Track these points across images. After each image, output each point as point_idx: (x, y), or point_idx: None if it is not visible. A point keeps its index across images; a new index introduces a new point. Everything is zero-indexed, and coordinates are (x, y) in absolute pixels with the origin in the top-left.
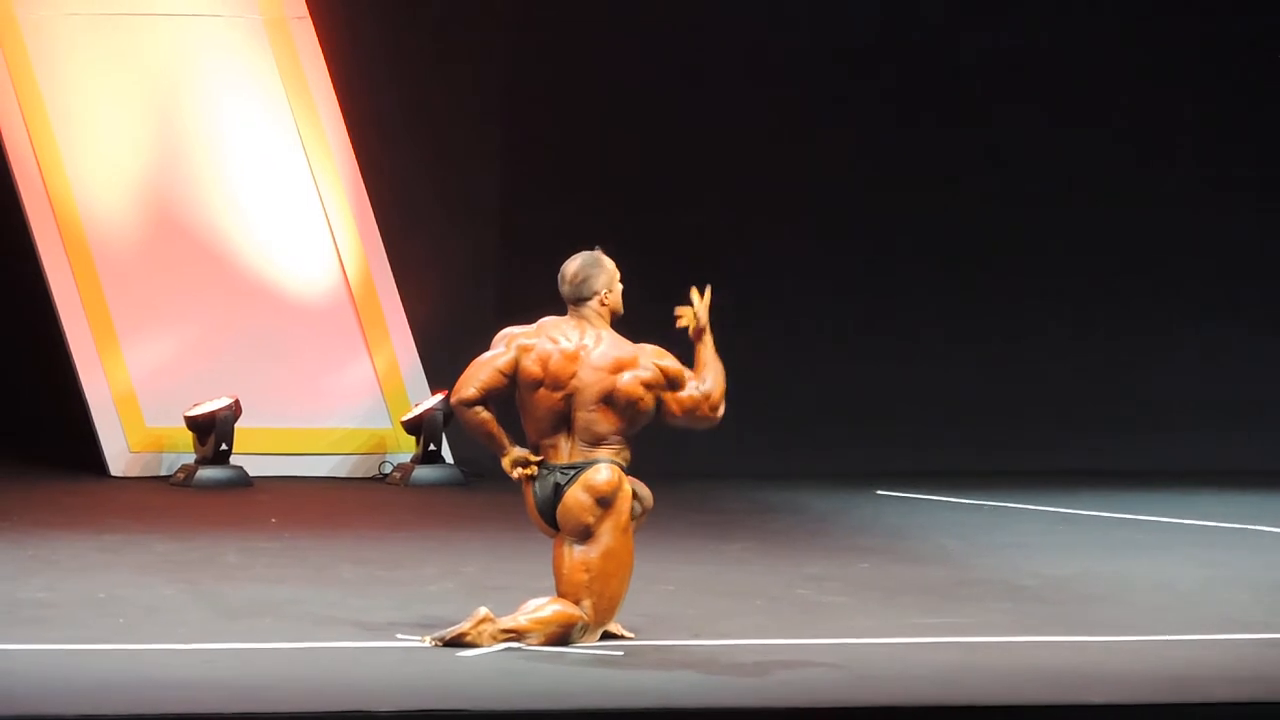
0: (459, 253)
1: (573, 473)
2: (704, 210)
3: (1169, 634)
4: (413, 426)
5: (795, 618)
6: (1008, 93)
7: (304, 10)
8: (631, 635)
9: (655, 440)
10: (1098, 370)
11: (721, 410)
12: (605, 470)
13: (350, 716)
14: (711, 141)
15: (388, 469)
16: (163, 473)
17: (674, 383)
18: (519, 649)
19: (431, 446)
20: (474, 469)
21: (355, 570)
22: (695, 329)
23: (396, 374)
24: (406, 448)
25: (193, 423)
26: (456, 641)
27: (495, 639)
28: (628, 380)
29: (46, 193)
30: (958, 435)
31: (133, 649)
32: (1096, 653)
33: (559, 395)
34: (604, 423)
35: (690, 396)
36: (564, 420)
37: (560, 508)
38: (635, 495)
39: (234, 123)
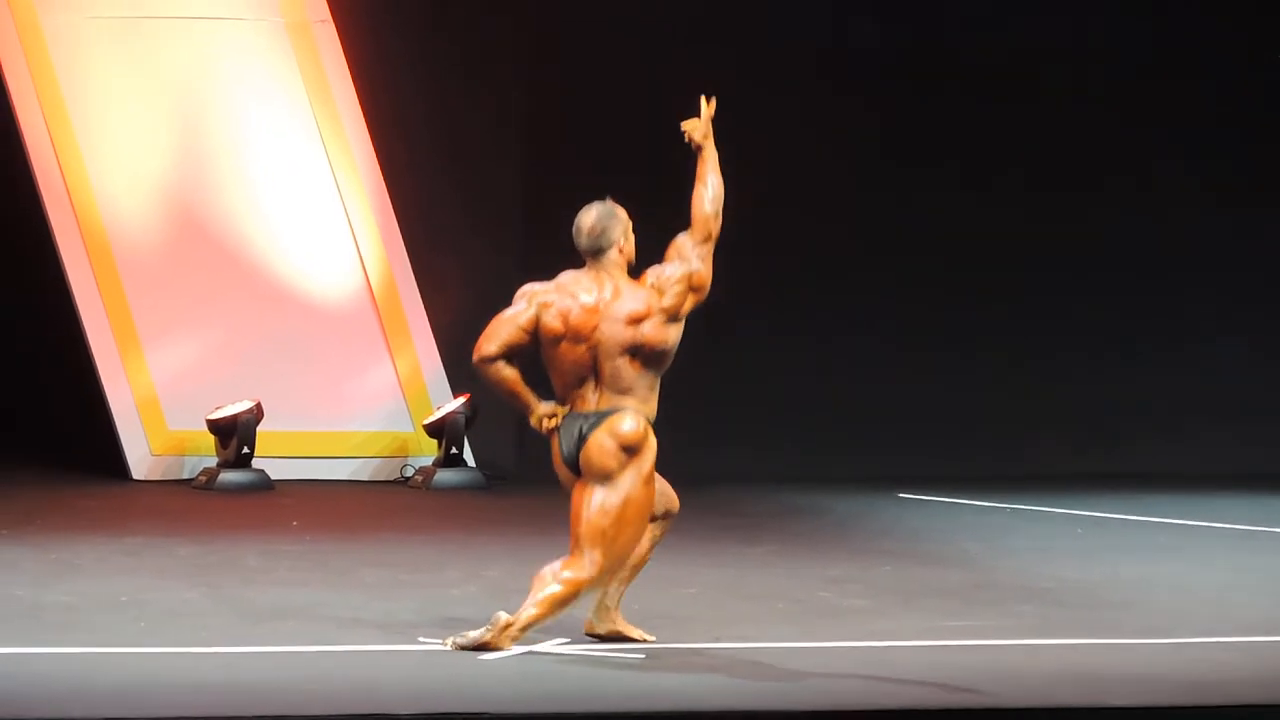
0: (481, 256)
1: (597, 418)
2: (726, 213)
3: (1190, 636)
4: (434, 430)
5: (817, 621)
6: (1023, 97)
7: (326, 14)
8: (651, 638)
9: (679, 444)
10: (1119, 373)
11: (719, 224)
12: (630, 419)
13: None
14: (735, 143)
15: (409, 472)
16: (184, 476)
17: (687, 291)
18: (539, 649)
19: (453, 450)
20: (496, 472)
21: (377, 573)
22: (695, 142)
23: (418, 377)
24: (428, 451)
25: (214, 426)
26: (479, 649)
27: (515, 639)
28: (650, 330)
29: (69, 196)
30: (979, 439)
31: (154, 652)
32: (1117, 655)
33: (582, 348)
34: (631, 371)
35: (699, 273)
36: (590, 372)
37: (583, 452)
38: (661, 493)
39: (256, 126)
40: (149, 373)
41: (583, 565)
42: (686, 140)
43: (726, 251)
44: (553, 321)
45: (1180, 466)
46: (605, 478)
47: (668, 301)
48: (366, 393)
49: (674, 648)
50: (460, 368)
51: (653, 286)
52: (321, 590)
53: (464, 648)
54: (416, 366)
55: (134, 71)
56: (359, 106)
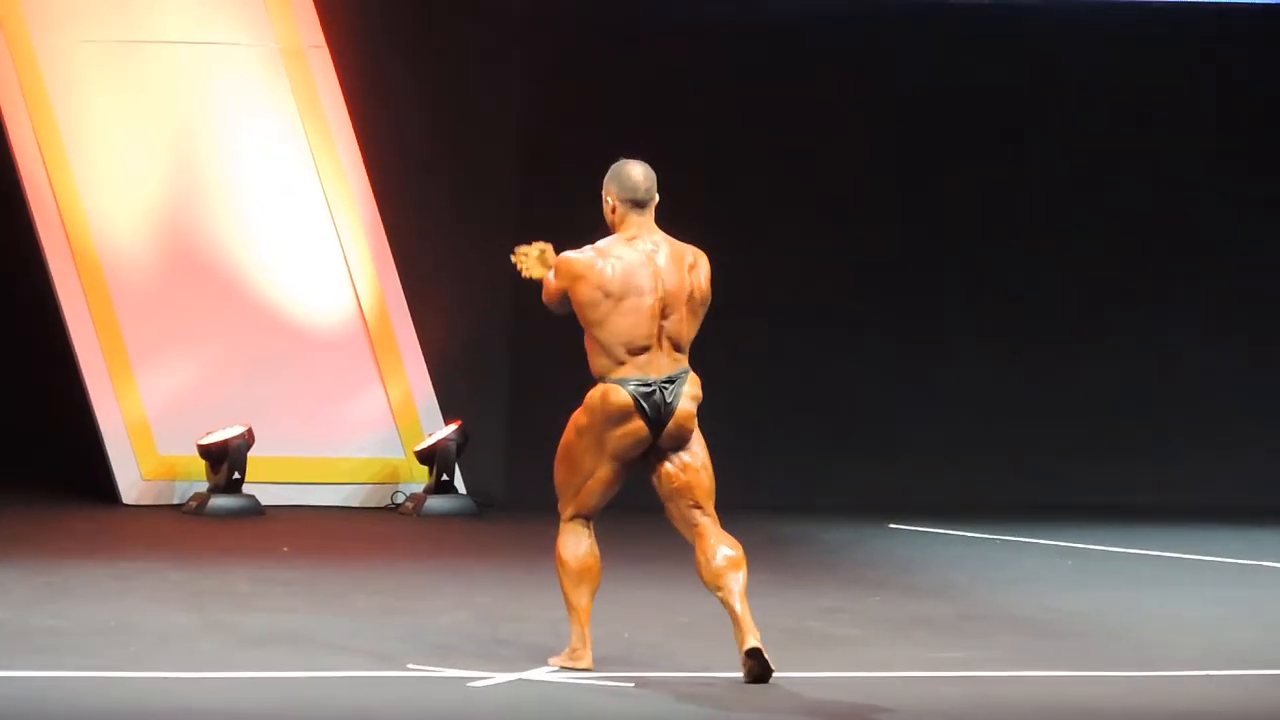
0: (474, 283)
1: (673, 386)
2: (719, 246)
3: (1178, 669)
4: (426, 457)
5: (806, 650)
6: (1023, 117)
7: (321, 40)
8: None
9: None
10: (1109, 406)
11: None
12: (695, 378)
13: None
14: (729, 174)
15: (400, 499)
16: (175, 501)
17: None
18: (529, 676)
19: (444, 477)
20: (486, 499)
21: (367, 600)
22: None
23: (410, 404)
24: (419, 478)
25: (205, 451)
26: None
27: (756, 634)
28: (702, 278)
29: (61, 220)
30: (970, 469)
31: (144, 677)
32: (1106, 688)
33: (649, 303)
34: (687, 325)
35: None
36: (655, 330)
37: (672, 421)
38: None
39: (250, 151)
40: (140, 397)
41: (700, 520)
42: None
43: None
44: (612, 281)
45: (1169, 499)
46: (684, 440)
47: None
48: (358, 419)
49: (664, 676)
50: (452, 394)
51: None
52: (312, 616)
53: (760, 679)
54: (408, 393)
55: (128, 95)
56: (353, 132)
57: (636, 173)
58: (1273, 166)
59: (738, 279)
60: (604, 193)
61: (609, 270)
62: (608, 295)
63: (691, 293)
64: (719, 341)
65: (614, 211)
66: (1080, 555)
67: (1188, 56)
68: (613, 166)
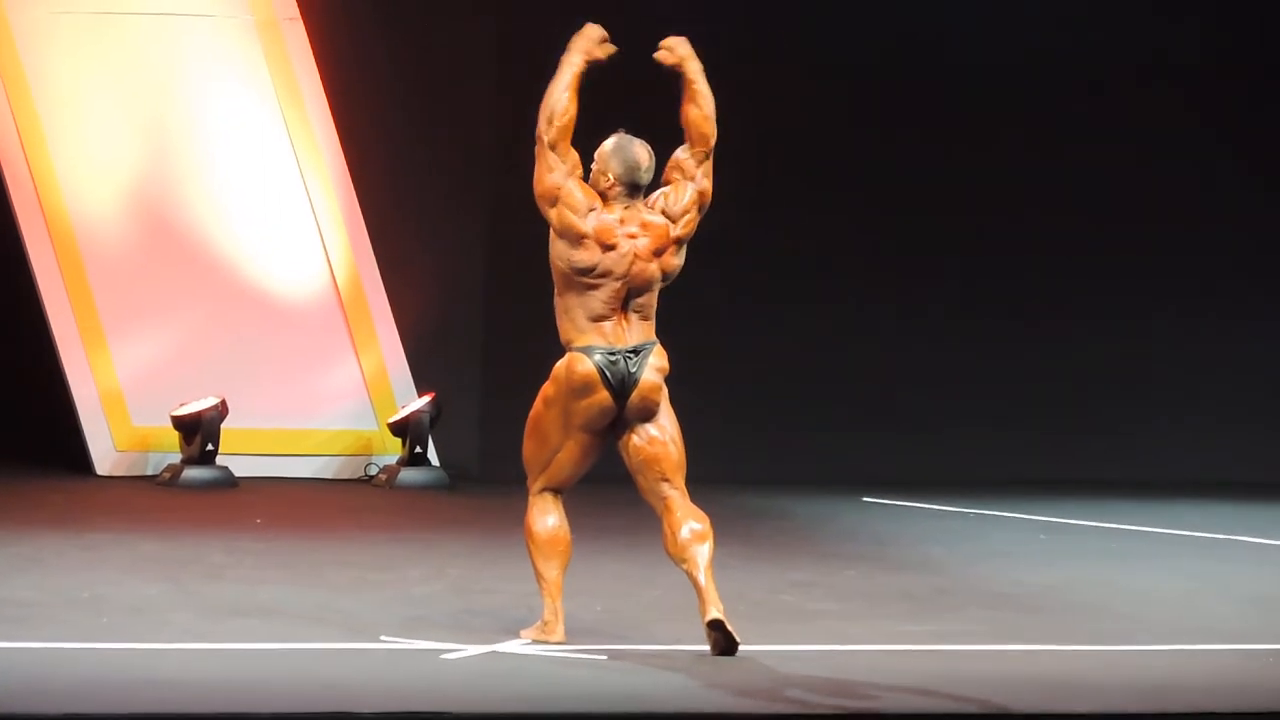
0: (447, 256)
1: (636, 357)
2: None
3: (1150, 644)
4: (399, 429)
5: (780, 624)
6: (1012, 96)
7: (295, 12)
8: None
9: None
10: (1083, 380)
11: (715, 135)
12: (661, 350)
13: (333, 718)
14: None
15: (373, 471)
16: (148, 472)
17: (696, 215)
18: (502, 648)
19: (417, 449)
20: (459, 472)
21: (340, 572)
22: (676, 62)
23: (383, 376)
24: (392, 450)
25: (179, 422)
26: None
27: (721, 610)
28: (666, 259)
29: (35, 191)
30: (944, 443)
31: (116, 648)
32: (1079, 661)
33: (618, 285)
34: (652, 298)
35: (706, 191)
36: (621, 304)
37: (636, 392)
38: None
39: (224, 123)
40: (114, 368)
41: (670, 495)
42: (668, 65)
43: (689, 251)
44: (588, 243)
45: (1143, 473)
46: (650, 413)
47: (680, 230)
48: (331, 391)
49: (637, 649)
50: (425, 366)
51: (664, 213)
52: (284, 588)
53: (727, 653)
54: (381, 365)
55: (102, 67)
56: (327, 104)
57: (641, 155)
58: (1262, 140)
59: (706, 251)
60: (599, 164)
61: (592, 231)
62: (582, 261)
63: (664, 275)
64: (690, 313)
65: (612, 187)
66: (1054, 530)
67: (1179, 29)
68: (615, 140)
